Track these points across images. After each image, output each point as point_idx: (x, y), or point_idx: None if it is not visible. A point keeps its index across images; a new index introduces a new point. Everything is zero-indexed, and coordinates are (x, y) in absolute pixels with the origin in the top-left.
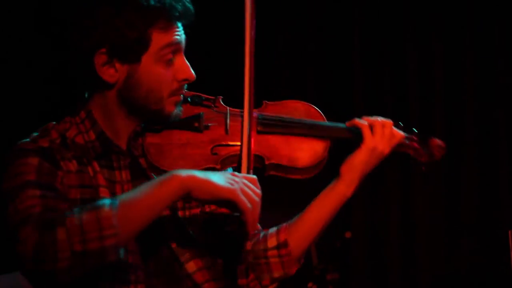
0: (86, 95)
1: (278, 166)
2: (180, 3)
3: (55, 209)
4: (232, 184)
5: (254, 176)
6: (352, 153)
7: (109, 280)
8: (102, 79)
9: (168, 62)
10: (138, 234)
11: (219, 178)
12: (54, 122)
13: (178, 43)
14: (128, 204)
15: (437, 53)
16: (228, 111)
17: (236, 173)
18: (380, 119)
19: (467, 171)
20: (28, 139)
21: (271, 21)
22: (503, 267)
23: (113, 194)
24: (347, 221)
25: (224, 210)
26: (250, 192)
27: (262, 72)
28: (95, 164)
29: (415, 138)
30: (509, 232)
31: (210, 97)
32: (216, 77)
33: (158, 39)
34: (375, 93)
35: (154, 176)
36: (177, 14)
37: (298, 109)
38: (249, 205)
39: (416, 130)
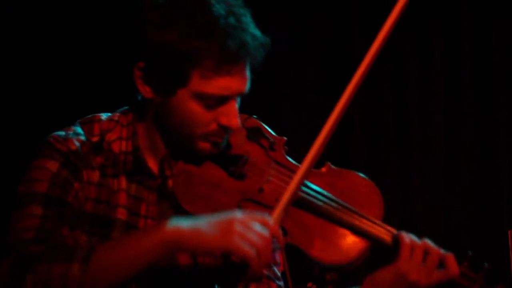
0: (139, 98)
1: (296, 250)
2: (242, 40)
3: (52, 232)
4: (226, 232)
5: (265, 216)
6: (382, 268)
7: None
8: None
9: (210, 105)
10: None
11: (211, 227)
12: (102, 116)
13: (225, 95)
14: (103, 260)
15: (437, 54)
16: (273, 164)
17: (236, 213)
18: (426, 243)
19: (466, 171)
20: (63, 133)
21: (271, 21)
22: (503, 267)
23: (133, 215)
24: None
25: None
26: (253, 236)
27: (262, 72)
28: (123, 180)
29: (477, 278)
30: (509, 232)
31: (272, 135)
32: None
33: (200, 82)
34: (375, 93)
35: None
36: (235, 55)
37: (358, 189)
38: (252, 251)
39: (487, 265)
